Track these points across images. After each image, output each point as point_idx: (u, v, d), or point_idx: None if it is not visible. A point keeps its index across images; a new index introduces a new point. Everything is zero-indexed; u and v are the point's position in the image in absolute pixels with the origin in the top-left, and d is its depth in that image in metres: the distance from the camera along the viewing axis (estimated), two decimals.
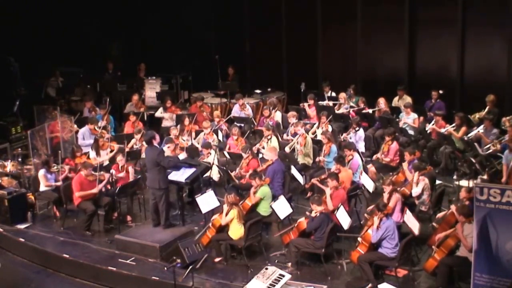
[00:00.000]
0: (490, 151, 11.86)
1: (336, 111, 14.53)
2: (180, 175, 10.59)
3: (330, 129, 13.15)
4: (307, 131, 13.14)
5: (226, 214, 9.75)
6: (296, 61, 17.60)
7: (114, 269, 9.67)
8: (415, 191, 10.21)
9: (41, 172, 11.45)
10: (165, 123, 14.86)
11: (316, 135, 13.21)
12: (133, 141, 13.13)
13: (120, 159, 11.52)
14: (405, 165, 11.01)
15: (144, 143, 12.19)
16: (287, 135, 13.55)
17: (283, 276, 8.25)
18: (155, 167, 10.14)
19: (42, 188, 11.44)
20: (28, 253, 10.64)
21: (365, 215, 9.99)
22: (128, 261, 9.81)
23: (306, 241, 9.41)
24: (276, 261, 9.66)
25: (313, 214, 9.44)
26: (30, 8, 16.23)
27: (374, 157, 12.55)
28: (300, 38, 17.55)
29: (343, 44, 17.18)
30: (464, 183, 11.74)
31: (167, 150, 11.71)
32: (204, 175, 11.49)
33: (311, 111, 14.63)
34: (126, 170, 11.46)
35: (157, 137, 10.56)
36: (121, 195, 11.15)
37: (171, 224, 10.45)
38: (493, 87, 14.37)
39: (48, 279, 10.04)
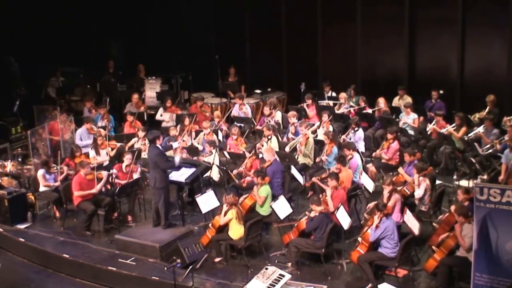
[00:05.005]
0: (490, 151, 11.86)
1: (336, 111, 14.54)
2: (180, 175, 10.60)
3: (331, 128, 13.15)
4: None
5: (225, 214, 9.75)
6: (296, 61, 17.59)
7: (114, 269, 9.67)
8: (418, 193, 10.18)
9: (40, 172, 11.46)
10: (165, 123, 14.88)
11: (316, 135, 13.21)
12: (133, 140, 13.13)
13: (128, 158, 11.50)
14: (401, 170, 11.00)
15: (146, 142, 12.20)
16: (287, 136, 13.56)
17: (283, 276, 8.26)
18: (155, 167, 10.15)
19: (41, 188, 11.45)
20: (28, 253, 10.64)
21: (365, 215, 10.00)
22: (128, 261, 9.81)
23: (306, 241, 9.41)
24: (276, 261, 9.66)
25: (312, 215, 9.44)
26: (30, 8, 16.22)
27: (374, 154, 12.57)
28: (300, 38, 17.55)
29: (343, 44, 17.17)
30: (464, 183, 11.76)
31: (176, 145, 11.76)
32: (204, 175, 11.49)
33: (310, 111, 14.64)
34: (131, 171, 11.44)
35: (161, 137, 10.55)
36: (121, 195, 11.16)
37: (171, 224, 10.46)
38: (493, 87, 14.37)
39: (48, 279, 10.04)
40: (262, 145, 12.61)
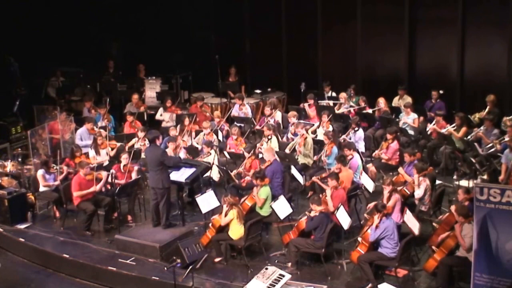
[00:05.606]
0: (490, 151, 11.86)
1: (336, 111, 14.53)
2: (180, 175, 10.59)
3: (330, 128, 13.15)
4: (306, 131, 13.13)
5: (226, 215, 9.75)
6: (296, 61, 17.59)
7: (114, 269, 9.67)
8: (418, 193, 10.17)
9: (40, 172, 11.45)
10: (165, 123, 14.88)
11: (316, 135, 13.21)
12: (133, 140, 13.12)
13: (125, 157, 11.51)
14: (401, 170, 11.00)
15: (146, 142, 12.19)
16: (287, 136, 13.56)
17: (283, 276, 8.26)
18: (157, 167, 10.13)
19: (41, 188, 11.44)
20: (28, 253, 10.65)
21: (365, 215, 10.00)
22: (128, 261, 9.82)
23: (306, 241, 9.41)
24: (276, 261, 9.67)
25: (312, 214, 9.44)
26: (30, 8, 16.21)
27: (373, 154, 12.57)
28: (300, 38, 17.55)
29: (343, 44, 17.17)
30: (464, 183, 11.76)
31: (169, 148, 11.72)
32: (204, 175, 11.49)
33: (311, 111, 14.64)
34: (129, 170, 11.44)
35: (161, 137, 10.55)
36: (121, 195, 11.16)
37: (171, 224, 10.46)
38: (493, 87, 14.38)
39: (48, 279, 10.05)
40: (262, 145, 12.61)
